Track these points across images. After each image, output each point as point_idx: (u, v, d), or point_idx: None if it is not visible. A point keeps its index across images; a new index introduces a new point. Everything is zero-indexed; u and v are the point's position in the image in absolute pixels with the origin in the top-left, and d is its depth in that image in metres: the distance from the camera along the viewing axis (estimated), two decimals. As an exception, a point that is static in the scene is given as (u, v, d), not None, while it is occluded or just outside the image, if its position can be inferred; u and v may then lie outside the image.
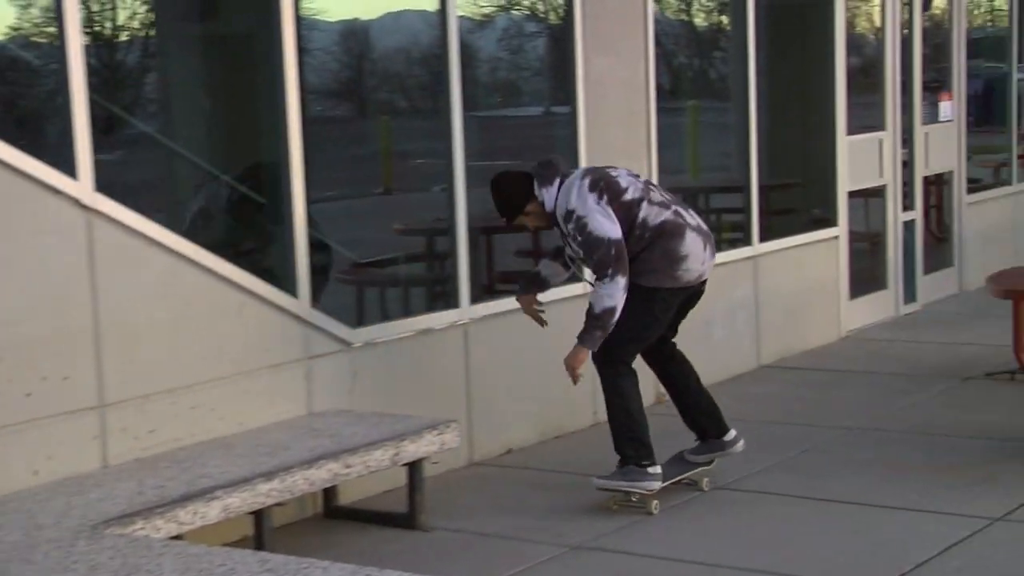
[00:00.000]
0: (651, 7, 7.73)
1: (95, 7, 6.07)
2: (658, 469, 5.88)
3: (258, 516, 5.00)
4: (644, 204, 5.73)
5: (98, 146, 5.07)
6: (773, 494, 6.05)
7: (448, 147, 6.62)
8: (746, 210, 8.63)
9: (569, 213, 5.66)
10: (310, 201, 5.94)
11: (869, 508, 5.78)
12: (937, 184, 10.90)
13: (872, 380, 8.14)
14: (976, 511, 5.62)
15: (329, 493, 5.85)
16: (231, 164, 6.41)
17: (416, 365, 6.40)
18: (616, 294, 5.58)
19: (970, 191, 11.07)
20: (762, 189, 8.66)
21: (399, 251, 7.41)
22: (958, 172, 10.87)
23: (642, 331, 5.85)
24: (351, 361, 6.06)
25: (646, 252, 5.74)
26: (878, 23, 10.09)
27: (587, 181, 5.72)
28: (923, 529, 5.48)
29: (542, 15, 8.86)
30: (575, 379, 5.79)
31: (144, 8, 6.53)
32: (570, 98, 7.32)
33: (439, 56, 6.62)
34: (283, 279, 5.79)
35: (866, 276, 9.83)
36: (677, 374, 6.16)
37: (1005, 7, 11.99)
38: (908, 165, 10.27)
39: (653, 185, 6.00)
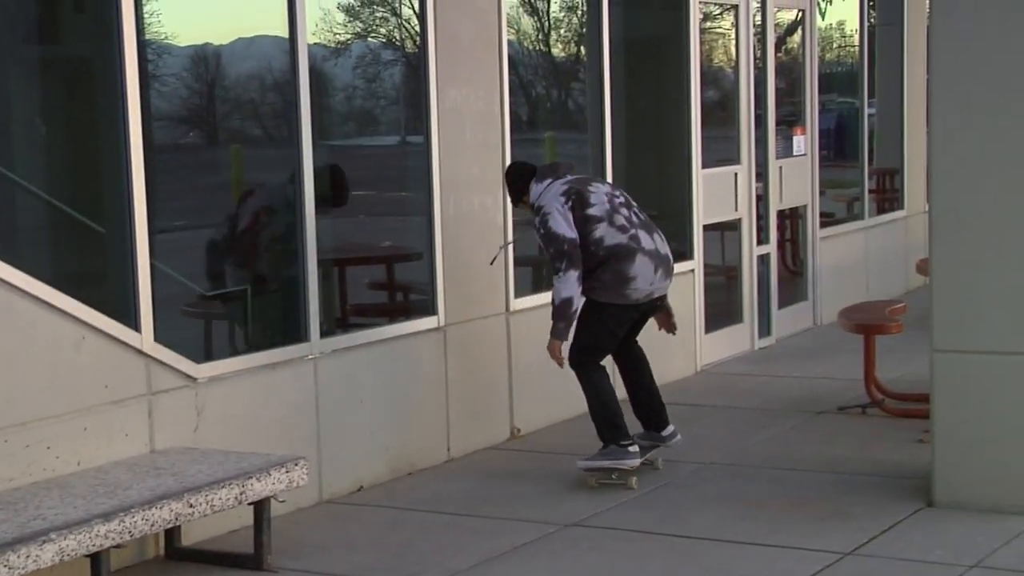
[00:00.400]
0: (506, 37, 7.82)
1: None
2: (636, 448, 6.73)
3: (95, 559, 4.91)
4: (603, 224, 6.61)
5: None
6: (627, 530, 6.12)
7: (298, 176, 6.61)
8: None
9: (538, 208, 6.65)
10: (155, 231, 5.86)
11: (722, 544, 5.89)
12: (791, 218, 11.18)
13: (728, 414, 8.29)
14: (828, 545, 5.76)
15: (171, 534, 5.76)
16: (70, 192, 6.29)
17: (264, 401, 6.35)
18: (570, 286, 6.52)
19: (823, 225, 11.36)
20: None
21: (248, 283, 7.33)
22: (811, 206, 11.16)
23: (601, 340, 6.77)
24: (196, 397, 5.99)
25: (599, 269, 6.61)
26: (733, 57, 10.33)
27: (564, 187, 6.66)
28: (775, 565, 5.60)
29: (398, 43, 8.89)
30: (559, 364, 6.72)
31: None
32: (424, 128, 7.36)
33: (290, 83, 6.61)
34: (124, 312, 5.70)
35: (722, 310, 10.02)
36: (633, 370, 7.01)
37: (856, 43, 12.36)
38: (763, 199, 10.51)
39: (626, 208, 6.77)
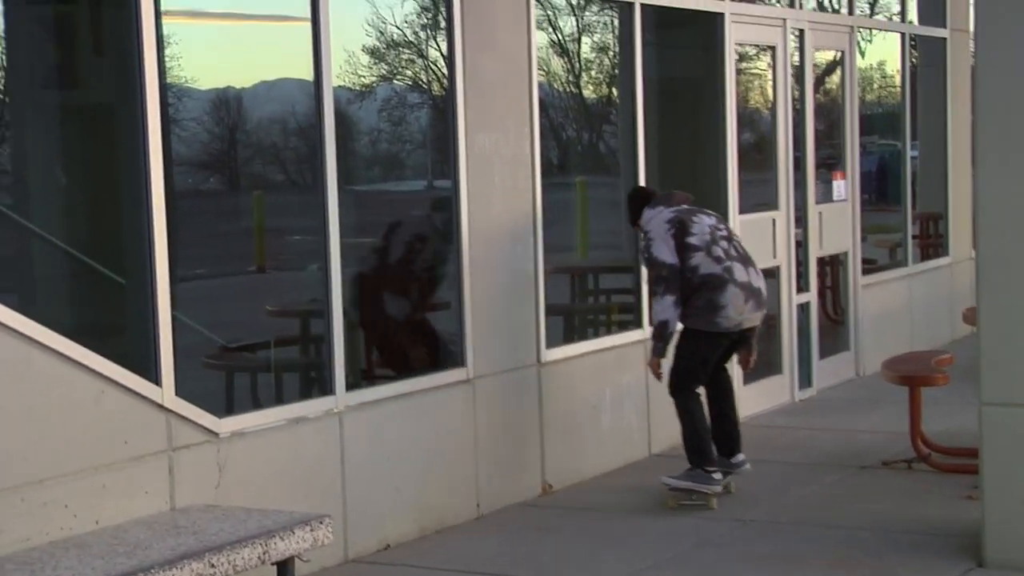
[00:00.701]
0: (536, 79, 7.83)
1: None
2: (719, 475, 7.36)
3: (114, 622, 4.87)
4: (700, 254, 7.27)
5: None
6: (664, 591, 6.06)
7: (323, 223, 6.60)
8: (636, 291, 8.72)
9: (645, 233, 7.40)
10: (176, 280, 5.86)
11: (764, 605, 5.82)
12: (832, 265, 11.13)
13: (767, 469, 8.22)
14: (873, 607, 5.68)
15: (192, 595, 5.72)
16: (89, 241, 6.32)
17: (288, 456, 6.33)
18: (666, 309, 7.22)
19: (865, 272, 11.31)
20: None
21: (271, 334, 7.34)
22: (853, 252, 11.11)
23: (694, 366, 7.39)
24: (218, 453, 5.97)
25: (693, 296, 7.26)
26: (770, 98, 10.33)
27: (671, 215, 7.34)
28: (819, 627, 5.52)
29: (425, 86, 8.92)
30: (657, 378, 7.48)
31: (-3, 74, 6.45)
32: (452, 173, 7.37)
33: (314, 127, 6.62)
34: (144, 365, 5.70)
35: (760, 360, 9.94)
36: (717, 396, 7.61)
37: (897, 84, 12.35)
38: (802, 245, 10.47)
39: (727, 241, 7.39)
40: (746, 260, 7.44)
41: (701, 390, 7.54)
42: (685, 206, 7.46)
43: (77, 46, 6.53)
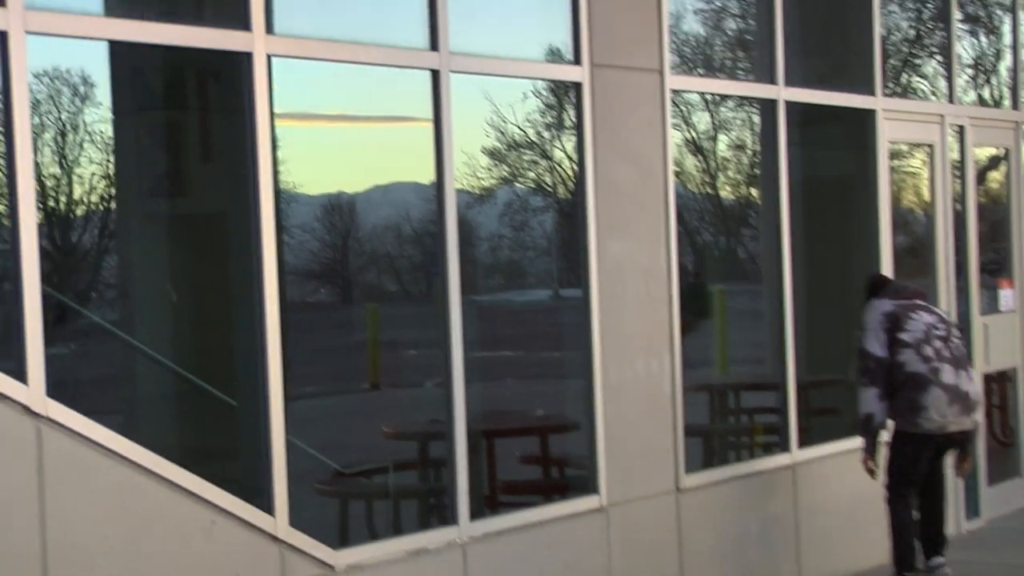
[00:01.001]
0: (672, 182, 7.80)
1: (49, 181, 6.16)
2: None
3: None
4: (910, 351, 7.71)
5: (48, 339, 5.08)
6: None
7: (445, 335, 6.61)
8: (782, 411, 8.63)
9: (862, 323, 7.91)
10: (288, 399, 5.92)
11: None
12: (1000, 382, 10.92)
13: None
14: None
15: None
16: (198, 359, 6.42)
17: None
18: (869, 403, 7.72)
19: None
20: (800, 386, 8.68)
21: (388, 458, 7.37)
22: (1022, 368, 10.91)
23: (903, 469, 7.81)
24: (332, 588, 5.98)
25: (897, 393, 7.71)
26: (927, 197, 10.23)
27: (890, 308, 7.86)
28: None
29: (549, 188, 8.99)
30: (870, 475, 7.87)
31: (103, 182, 6.63)
32: (582, 282, 7.37)
33: (433, 234, 6.66)
34: (257, 493, 5.75)
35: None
36: (926, 495, 8.02)
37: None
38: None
39: (942, 342, 7.77)
40: (959, 362, 7.77)
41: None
42: (909, 300, 7.92)
43: (184, 150, 6.70)
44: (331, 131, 7.57)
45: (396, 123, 7.49)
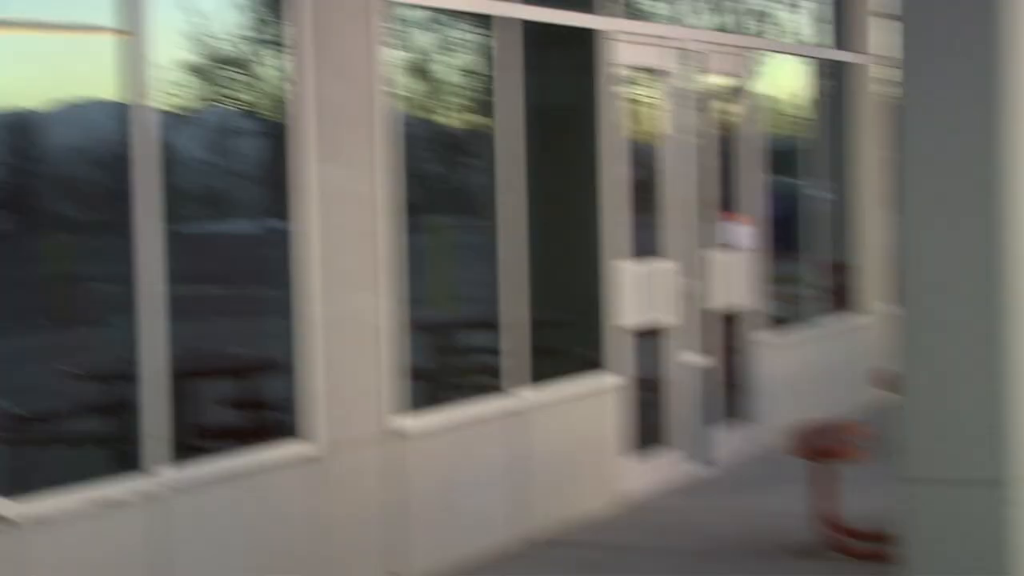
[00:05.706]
0: (384, 104, 7.79)
1: None
2: None
3: None
4: None
5: None
6: None
7: (131, 267, 6.59)
8: (506, 351, 8.70)
9: None
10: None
11: None
12: (729, 322, 11.14)
13: (658, 559, 8.21)
14: None
15: None
16: None
17: (92, 546, 6.19)
18: None
19: (766, 329, 11.40)
20: (529, 326, 8.77)
21: (72, 401, 7.18)
22: (752, 308, 11.18)
23: None
24: (14, 543, 5.83)
25: None
26: (656, 130, 10.37)
27: None
28: None
29: (260, 110, 8.82)
30: None
31: None
32: (295, 212, 7.32)
33: (124, 158, 6.56)
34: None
35: (648, 430, 9.96)
36: None
37: (804, 114, 12.53)
38: (693, 299, 10.48)
39: None
40: None
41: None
42: None
43: None
44: (3, 39, 7.27)
45: (81, 32, 7.27)
